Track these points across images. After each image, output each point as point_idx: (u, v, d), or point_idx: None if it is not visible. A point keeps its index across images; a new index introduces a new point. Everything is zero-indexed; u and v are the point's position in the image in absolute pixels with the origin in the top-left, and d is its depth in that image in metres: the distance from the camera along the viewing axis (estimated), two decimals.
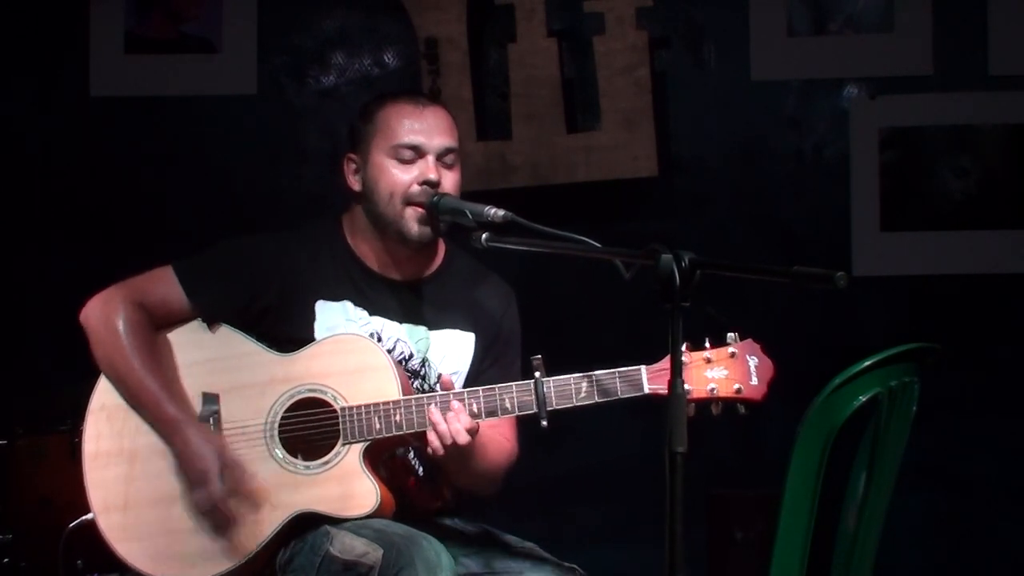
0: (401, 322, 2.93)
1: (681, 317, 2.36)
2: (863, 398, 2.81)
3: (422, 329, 2.95)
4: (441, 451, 2.72)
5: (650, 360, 2.69)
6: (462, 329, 2.98)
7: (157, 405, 2.81)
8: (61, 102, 4.63)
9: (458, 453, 2.73)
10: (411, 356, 2.93)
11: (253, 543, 2.77)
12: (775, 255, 4.44)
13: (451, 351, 2.96)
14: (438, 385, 2.92)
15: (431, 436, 2.72)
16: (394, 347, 2.91)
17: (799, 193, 4.53)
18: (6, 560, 3.83)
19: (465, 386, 2.94)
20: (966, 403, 4.35)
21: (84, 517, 2.92)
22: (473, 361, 2.98)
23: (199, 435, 2.78)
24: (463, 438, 2.70)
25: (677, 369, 2.36)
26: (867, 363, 2.82)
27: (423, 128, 2.89)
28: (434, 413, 2.71)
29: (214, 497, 2.75)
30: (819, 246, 4.49)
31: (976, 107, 4.44)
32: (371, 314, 2.91)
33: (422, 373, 2.94)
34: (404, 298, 2.94)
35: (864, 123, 4.47)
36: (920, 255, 4.45)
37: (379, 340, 2.89)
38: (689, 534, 2.34)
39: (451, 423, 2.70)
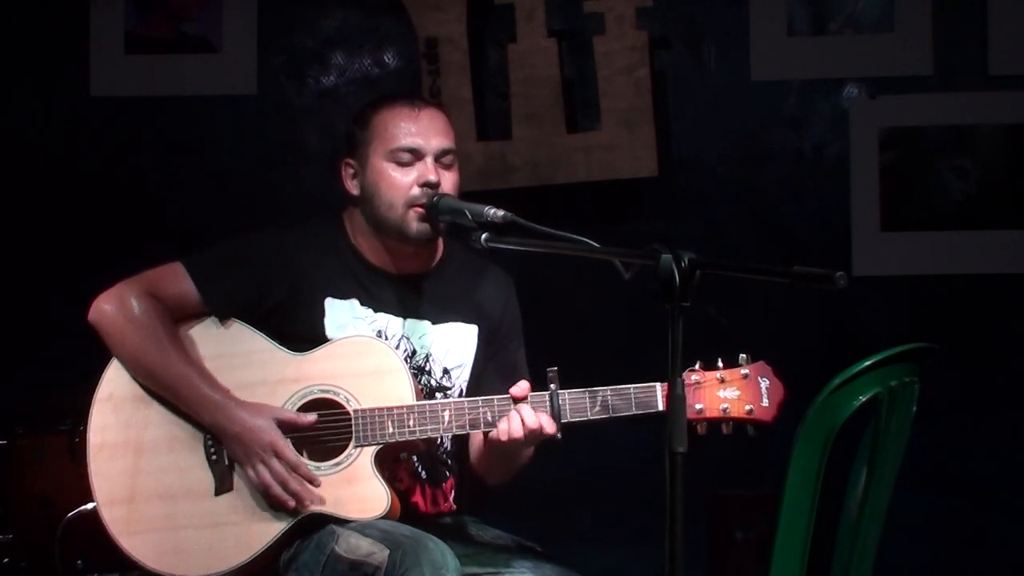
0: (404, 318, 2.93)
1: (681, 317, 2.36)
2: (863, 398, 2.81)
3: (424, 324, 2.95)
4: (519, 438, 2.71)
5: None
6: (464, 322, 2.98)
7: (196, 389, 2.78)
8: (61, 102, 4.63)
9: (523, 446, 2.75)
10: (414, 353, 2.93)
11: (261, 542, 2.76)
12: (775, 255, 4.44)
13: (454, 345, 2.97)
14: (444, 379, 2.94)
15: (511, 428, 2.71)
16: (397, 345, 2.91)
17: (799, 193, 4.53)
18: (6, 560, 3.83)
19: (470, 378, 2.96)
20: (966, 403, 4.34)
21: (82, 507, 2.89)
22: (477, 353, 2.99)
23: (248, 410, 2.77)
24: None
25: (676, 369, 2.36)
26: (867, 363, 2.82)
27: (420, 130, 2.89)
28: (525, 409, 2.72)
29: (290, 461, 2.73)
30: (819, 246, 4.48)
31: (976, 107, 4.44)
32: (376, 311, 2.92)
33: (427, 368, 2.94)
34: (406, 294, 2.95)
35: (864, 123, 4.47)
36: (920, 255, 4.45)
37: (384, 339, 2.89)
38: (689, 534, 2.33)
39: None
